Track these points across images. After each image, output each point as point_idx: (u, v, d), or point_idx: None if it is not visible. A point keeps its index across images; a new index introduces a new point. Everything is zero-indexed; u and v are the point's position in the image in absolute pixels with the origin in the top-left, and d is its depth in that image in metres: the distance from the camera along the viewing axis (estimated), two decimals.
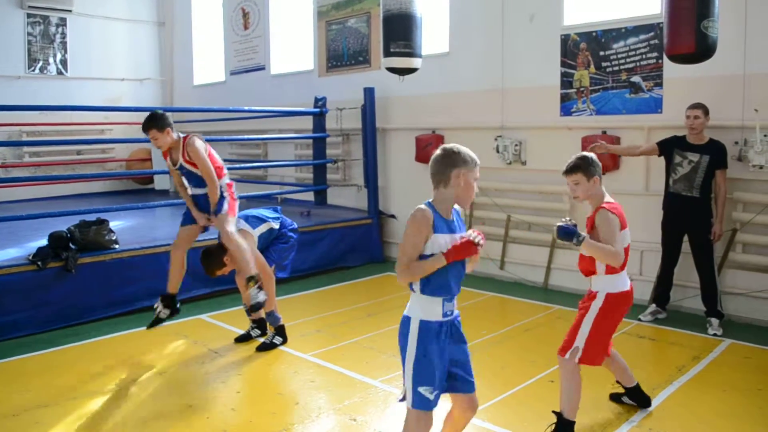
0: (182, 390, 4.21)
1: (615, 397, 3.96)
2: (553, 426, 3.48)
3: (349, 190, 8.95)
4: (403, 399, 2.82)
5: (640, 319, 5.61)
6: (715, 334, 5.18)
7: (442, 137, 7.75)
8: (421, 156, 7.87)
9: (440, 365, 2.70)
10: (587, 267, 3.55)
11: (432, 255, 2.68)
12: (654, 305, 5.71)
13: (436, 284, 2.73)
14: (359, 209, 8.60)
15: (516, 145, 6.98)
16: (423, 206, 2.71)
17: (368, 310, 6.07)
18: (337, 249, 7.81)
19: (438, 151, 2.84)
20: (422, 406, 2.73)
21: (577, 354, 3.47)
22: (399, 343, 2.79)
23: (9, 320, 5.25)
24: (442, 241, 2.70)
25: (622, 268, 3.49)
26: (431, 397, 2.72)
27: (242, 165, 10.12)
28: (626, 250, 3.50)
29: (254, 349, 4.97)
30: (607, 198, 3.55)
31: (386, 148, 8.58)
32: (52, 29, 11.05)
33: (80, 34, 11.33)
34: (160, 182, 11.70)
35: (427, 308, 2.75)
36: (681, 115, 5.41)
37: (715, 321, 5.29)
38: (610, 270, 3.47)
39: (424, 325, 2.72)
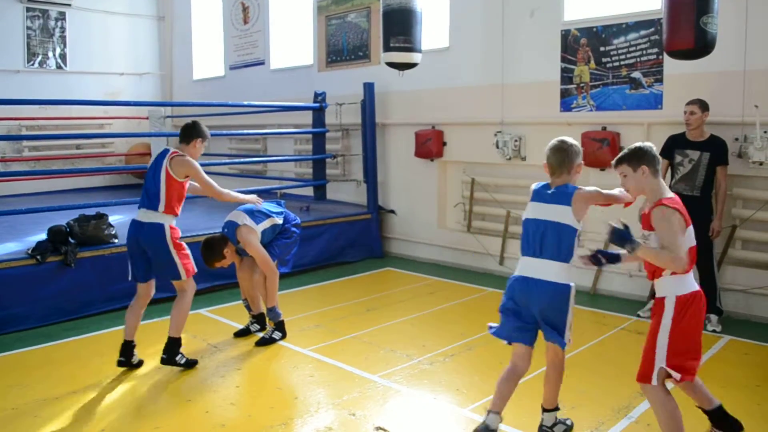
0: (181, 384, 4.22)
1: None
2: None
3: (348, 185, 8.95)
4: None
5: (638, 316, 5.62)
6: (714, 331, 5.19)
7: (441, 132, 7.75)
8: (421, 151, 7.87)
9: None
10: (651, 268, 3.13)
11: None
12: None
13: None
14: (359, 204, 8.60)
15: (516, 140, 6.97)
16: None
17: (367, 305, 6.07)
18: (336, 244, 7.82)
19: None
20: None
21: (662, 374, 3.00)
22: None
23: (8, 314, 5.25)
24: None
25: (688, 270, 3.05)
26: None
27: (241, 160, 10.13)
28: (692, 250, 3.06)
29: (253, 344, 4.97)
30: (667, 192, 3.16)
31: (386, 144, 8.57)
32: (52, 23, 11.03)
33: (79, 28, 11.32)
34: None
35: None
36: (681, 111, 5.39)
37: (714, 317, 5.30)
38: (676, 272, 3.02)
39: None
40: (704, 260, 5.37)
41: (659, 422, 3.08)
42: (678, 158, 5.40)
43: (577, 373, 4.36)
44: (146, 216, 4.35)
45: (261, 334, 5.10)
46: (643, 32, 6.02)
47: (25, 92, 10.04)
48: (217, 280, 6.43)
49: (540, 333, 3.35)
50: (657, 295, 3.16)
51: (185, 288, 4.43)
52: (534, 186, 3.50)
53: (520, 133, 6.99)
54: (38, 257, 5.42)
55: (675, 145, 5.43)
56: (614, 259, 3.34)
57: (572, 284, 3.24)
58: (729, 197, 5.54)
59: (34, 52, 10.88)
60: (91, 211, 6.09)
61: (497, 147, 7.08)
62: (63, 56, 11.18)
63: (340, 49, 9.06)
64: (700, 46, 4.42)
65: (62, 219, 5.93)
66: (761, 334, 5.11)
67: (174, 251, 4.31)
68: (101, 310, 5.74)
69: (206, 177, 4.56)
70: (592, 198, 3.42)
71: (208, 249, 4.80)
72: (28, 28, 10.78)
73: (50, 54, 11.06)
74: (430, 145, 7.75)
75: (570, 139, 3.41)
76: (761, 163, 5.28)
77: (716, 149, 5.25)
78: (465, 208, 7.63)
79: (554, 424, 3.48)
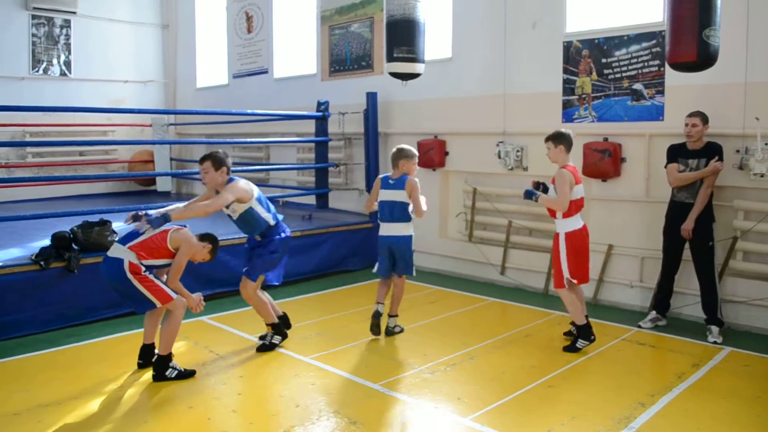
0: (183, 392, 4.22)
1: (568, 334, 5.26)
2: (575, 334, 5.02)
3: (350, 194, 8.98)
4: None
5: (640, 326, 5.62)
6: (715, 342, 5.19)
7: (444, 142, 7.78)
8: (423, 160, 7.87)
9: None
10: (551, 212, 5.06)
11: None
12: (654, 312, 5.71)
13: None
14: (361, 213, 8.62)
15: (518, 151, 7.00)
16: None
17: (369, 314, 6.05)
18: (338, 252, 7.83)
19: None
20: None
21: (570, 281, 4.94)
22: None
23: (11, 320, 5.26)
24: None
25: (577, 212, 4.93)
26: None
27: (244, 168, 10.13)
28: (579, 201, 4.93)
29: (255, 351, 4.98)
30: (568, 163, 4.95)
31: (388, 153, 8.55)
32: (57, 31, 11.10)
33: (84, 35, 11.39)
34: (162, 184, 11.73)
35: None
36: (682, 123, 5.42)
37: (715, 329, 5.30)
38: (565, 214, 4.90)
39: None
40: (705, 271, 5.39)
41: (570, 312, 5.04)
42: (680, 167, 5.43)
43: (579, 383, 4.38)
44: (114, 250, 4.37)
45: (260, 341, 5.11)
46: (644, 44, 6.06)
47: (29, 99, 10.11)
48: (219, 288, 6.44)
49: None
50: (556, 230, 5.02)
51: (171, 308, 4.43)
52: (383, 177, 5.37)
53: (521, 144, 7.02)
54: (42, 263, 5.44)
55: (677, 153, 5.46)
56: (529, 195, 5.01)
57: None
58: (730, 209, 5.56)
59: (39, 59, 10.94)
60: (95, 218, 6.11)
61: (499, 157, 7.11)
62: (67, 63, 11.25)
63: (344, 58, 9.11)
64: (702, 58, 4.45)
65: (66, 225, 5.95)
66: (762, 346, 5.11)
67: (137, 282, 4.27)
68: (104, 317, 5.75)
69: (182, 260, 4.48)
70: (414, 187, 5.21)
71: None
72: (34, 35, 10.85)
73: (55, 61, 11.13)
74: (432, 154, 7.78)
75: (406, 146, 5.41)
76: (762, 175, 5.29)
77: (712, 153, 5.29)
78: (467, 218, 7.64)
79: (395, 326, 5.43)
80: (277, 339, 5.04)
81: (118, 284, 4.34)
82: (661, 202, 5.77)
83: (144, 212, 4.42)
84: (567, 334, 5.30)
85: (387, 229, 5.31)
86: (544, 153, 5.18)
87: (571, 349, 4.96)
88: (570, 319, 5.22)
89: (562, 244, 4.94)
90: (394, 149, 5.41)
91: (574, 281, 4.97)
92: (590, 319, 5.81)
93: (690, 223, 5.32)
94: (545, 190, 5.06)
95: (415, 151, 5.41)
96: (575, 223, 4.96)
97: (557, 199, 4.87)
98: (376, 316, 5.29)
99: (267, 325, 5.09)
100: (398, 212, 5.25)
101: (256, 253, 4.98)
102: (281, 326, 5.13)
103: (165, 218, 4.33)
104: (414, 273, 5.42)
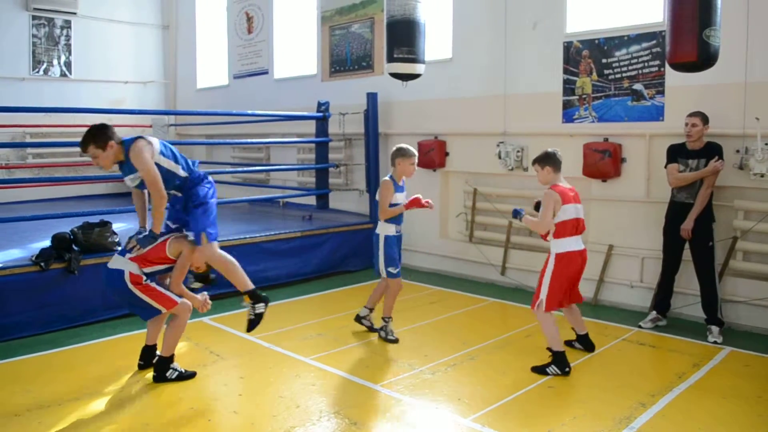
0: (184, 393, 4.23)
1: (568, 343, 5.00)
2: (551, 359, 4.54)
3: (351, 194, 8.98)
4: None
5: (640, 326, 5.62)
6: (715, 342, 5.19)
7: (444, 143, 7.79)
8: (424, 161, 7.88)
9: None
10: (543, 235, 4.80)
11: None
12: (654, 312, 5.71)
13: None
14: (361, 214, 8.62)
15: (518, 151, 7.00)
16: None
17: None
18: (338, 253, 7.84)
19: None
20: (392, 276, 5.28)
21: (542, 305, 4.59)
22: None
23: (11, 321, 5.26)
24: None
25: (570, 234, 4.64)
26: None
27: (244, 168, 10.17)
28: (570, 222, 4.62)
29: (256, 352, 4.99)
30: (558, 183, 4.73)
31: (388, 153, 8.57)
32: (57, 31, 11.10)
33: (85, 36, 11.38)
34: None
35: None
36: (682, 123, 5.42)
37: (715, 329, 5.30)
38: (557, 234, 4.62)
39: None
40: (705, 271, 5.39)
41: (545, 334, 4.64)
42: (680, 167, 5.43)
43: (579, 383, 4.38)
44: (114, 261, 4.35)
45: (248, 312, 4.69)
46: (644, 44, 6.06)
47: (29, 100, 10.10)
48: (220, 289, 6.43)
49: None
50: (550, 250, 4.72)
51: (176, 312, 4.42)
52: None
53: (522, 144, 7.02)
54: (42, 264, 5.44)
55: (677, 153, 5.47)
56: (515, 214, 4.84)
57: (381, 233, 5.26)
58: (730, 209, 5.56)
59: (40, 60, 10.95)
60: (95, 219, 6.11)
61: (499, 157, 7.11)
62: (68, 64, 11.25)
63: (344, 59, 9.11)
64: (703, 59, 4.44)
65: (66, 226, 5.95)
66: (763, 346, 5.11)
67: (139, 292, 4.25)
68: (104, 318, 5.75)
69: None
70: (380, 187, 5.29)
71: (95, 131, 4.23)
72: (34, 36, 10.85)
73: (55, 62, 11.13)
74: (432, 155, 7.78)
75: (404, 145, 5.39)
76: (762, 175, 5.29)
77: (712, 152, 5.29)
78: (467, 218, 7.64)
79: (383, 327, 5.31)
80: (261, 307, 4.62)
81: (121, 294, 4.35)
82: (661, 202, 5.77)
83: (134, 237, 4.32)
84: (568, 343, 4.96)
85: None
86: None
87: (540, 371, 4.51)
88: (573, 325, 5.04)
89: (551, 265, 4.62)
90: (393, 148, 5.42)
91: (544, 305, 4.57)
92: (591, 320, 5.81)
93: (689, 223, 5.32)
94: (516, 212, 4.86)
95: (413, 150, 5.32)
96: (568, 244, 4.62)
97: (539, 221, 4.65)
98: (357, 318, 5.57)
99: (243, 294, 4.62)
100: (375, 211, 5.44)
101: (187, 212, 4.47)
102: (257, 292, 4.65)
103: (153, 236, 4.30)
104: (382, 274, 5.30)
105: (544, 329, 4.62)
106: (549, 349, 4.56)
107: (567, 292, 4.73)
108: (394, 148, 5.36)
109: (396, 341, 5.22)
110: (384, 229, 5.27)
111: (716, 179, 5.34)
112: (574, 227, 4.65)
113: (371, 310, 5.56)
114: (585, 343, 5.01)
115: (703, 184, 5.31)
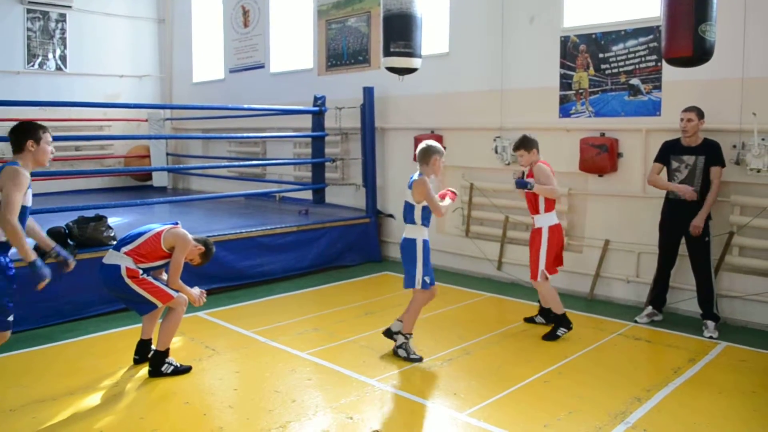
0: (179, 387, 4.22)
1: (529, 319, 5.57)
2: (554, 323, 5.19)
3: (347, 189, 8.96)
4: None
5: (636, 321, 5.63)
6: (710, 337, 5.20)
7: (440, 137, 7.77)
8: None
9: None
10: (533, 207, 5.23)
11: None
12: (650, 307, 5.72)
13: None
14: (357, 208, 8.62)
15: None
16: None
17: (365, 309, 6.08)
18: (334, 248, 7.83)
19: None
20: (426, 287, 4.72)
21: (544, 274, 5.15)
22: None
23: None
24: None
25: (554, 207, 5.20)
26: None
27: (241, 163, 10.14)
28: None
29: (251, 347, 4.98)
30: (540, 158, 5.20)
31: (385, 148, 8.59)
32: (52, 25, 11.04)
33: (80, 30, 11.32)
34: (159, 179, 11.71)
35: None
36: (679, 118, 5.42)
37: (711, 324, 5.31)
38: (548, 209, 5.14)
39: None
40: (701, 266, 5.40)
41: (547, 301, 5.27)
42: (674, 164, 5.43)
43: (575, 378, 4.38)
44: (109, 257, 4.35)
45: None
46: (641, 39, 6.05)
47: (24, 93, 10.05)
48: (215, 284, 6.43)
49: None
50: (535, 225, 5.24)
51: (173, 306, 4.42)
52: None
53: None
54: None
55: (671, 150, 5.47)
56: (523, 185, 5.11)
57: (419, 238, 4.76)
58: (726, 204, 5.56)
59: (34, 54, 10.89)
60: (90, 213, 6.08)
61: (496, 152, 7.10)
62: (63, 58, 11.19)
63: (340, 53, 9.08)
64: (698, 53, 4.44)
65: (61, 221, 5.93)
66: (758, 341, 5.13)
67: (135, 286, 4.26)
68: (99, 312, 5.74)
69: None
70: (420, 185, 4.67)
71: None
72: (29, 29, 10.79)
73: (50, 55, 11.07)
74: None
75: (432, 142, 4.82)
76: (759, 171, 5.30)
77: (711, 152, 5.29)
78: (463, 213, 7.64)
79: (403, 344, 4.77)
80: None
81: (117, 290, 4.34)
82: (657, 197, 5.77)
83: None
84: (528, 320, 5.57)
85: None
86: (541, 148, 5.21)
87: (551, 337, 5.12)
88: (536, 307, 5.59)
89: (545, 237, 5.14)
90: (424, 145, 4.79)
91: (548, 274, 5.18)
92: (586, 315, 5.83)
93: (700, 221, 5.31)
94: (523, 183, 5.13)
95: (439, 146, 4.76)
96: (555, 217, 5.23)
97: (553, 188, 5.08)
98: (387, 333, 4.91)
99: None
100: (406, 213, 4.79)
101: None
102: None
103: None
104: (417, 286, 4.67)
105: (548, 296, 5.21)
106: (553, 314, 5.22)
107: (558, 259, 5.29)
108: (430, 146, 4.70)
109: (420, 360, 4.66)
110: (421, 233, 4.72)
111: (721, 178, 5.33)
112: (556, 201, 5.27)
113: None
114: (547, 317, 5.44)
115: (711, 184, 5.30)
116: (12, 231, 3.79)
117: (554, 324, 5.21)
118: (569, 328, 5.15)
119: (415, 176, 4.69)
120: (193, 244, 4.51)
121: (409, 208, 4.76)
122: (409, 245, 4.73)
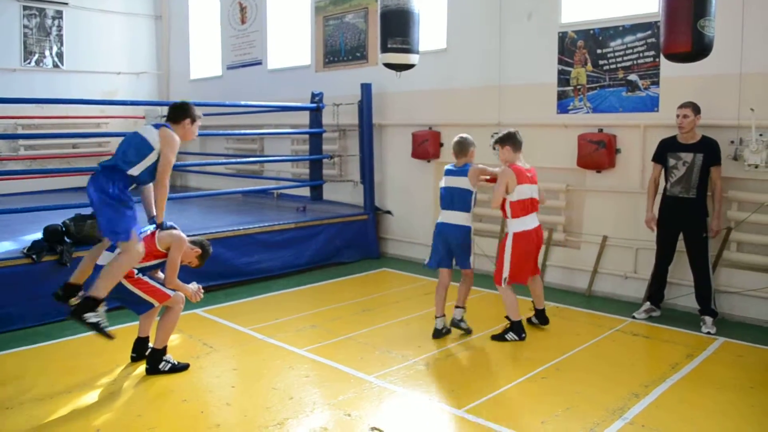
0: (177, 385, 4.21)
1: (527, 320, 5.32)
2: (508, 325, 5.04)
3: (345, 185, 8.95)
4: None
5: (634, 317, 5.63)
6: (708, 333, 5.20)
7: (438, 133, 7.76)
8: (418, 152, 7.88)
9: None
10: (504, 212, 5.13)
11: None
12: (648, 303, 5.72)
13: None
14: (355, 205, 8.61)
15: None
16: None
17: (363, 306, 6.07)
18: (332, 244, 7.82)
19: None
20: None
21: (507, 281, 5.02)
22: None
23: (3, 313, 5.23)
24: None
25: (526, 213, 5.01)
26: None
27: (238, 160, 10.12)
28: (524, 201, 4.99)
29: (250, 344, 4.97)
30: (517, 162, 5.07)
31: (383, 144, 8.57)
32: (48, 22, 11.00)
33: (76, 27, 11.29)
34: None
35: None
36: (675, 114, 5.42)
37: (709, 319, 5.31)
38: (514, 215, 5.00)
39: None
40: (699, 261, 5.40)
41: (506, 305, 5.05)
42: (671, 161, 5.42)
43: (573, 374, 4.38)
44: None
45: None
46: (639, 35, 6.03)
47: (21, 91, 10.01)
48: (212, 281, 6.42)
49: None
50: (506, 230, 5.14)
51: (170, 305, 4.41)
52: (446, 167, 5.26)
53: None
54: (34, 256, 5.41)
55: (668, 148, 5.47)
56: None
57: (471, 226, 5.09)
58: (724, 199, 5.56)
59: (31, 51, 10.85)
60: (87, 211, 6.05)
61: (494, 148, 7.08)
62: (60, 55, 11.16)
63: (338, 49, 9.06)
64: (697, 49, 4.43)
65: (58, 218, 5.91)
66: (756, 336, 5.13)
67: (131, 287, 4.25)
68: None
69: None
70: (478, 172, 5.08)
71: None
72: (25, 26, 10.75)
73: (47, 53, 11.03)
74: (426, 146, 7.76)
75: (466, 135, 5.22)
76: (756, 166, 5.30)
77: (709, 150, 5.28)
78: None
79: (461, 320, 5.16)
80: (91, 317, 4.14)
81: (113, 290, 4.31)
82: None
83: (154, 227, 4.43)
84: (528, 321, 5.36)
85: (445, 217, 5.17)
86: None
87: (499, 338, 5.04)
88: (531, 305, 5.43)
89: (509, 244, 5.01)
90: (459, 138, 5.24)
91: (509, 282, 5.03)
92: (584, 311, 5.82)
93: (717, 224, 5.37)
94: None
95: (472, 139, 5.27)
96: (523, 224, 5.01)
97: (494, 195, 5.03)
98: (437, 334, 5.11)
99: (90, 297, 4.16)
100: (456, 200, 5.11)
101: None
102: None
103: (168, 224, 4.43)
104: (472, 266, 5.19)
105: (506, 300, 5.04)
106: (507, 317, 5.04)
107: (526, 267, 5.10)
108: (466, 138, 5.22)
109: (470, 331, 5.17)
110: (471, 221, 5.15)
111: (720, 174, 5.35)
112: (530, 206, 5.02)
113: (465, 309, 5.24)
114: (541, 318, 5.34)
115: (714, 184, 5.34)
116: (165, 192, 4.37)
117: (509, 326, 5.04)
118: (521, 338, 4.99)
119: (454, 167, 5.19)
120: (188, 243, 4.49)
121: (462, 195, 5.07)
122: (463, 234, 5.10)
